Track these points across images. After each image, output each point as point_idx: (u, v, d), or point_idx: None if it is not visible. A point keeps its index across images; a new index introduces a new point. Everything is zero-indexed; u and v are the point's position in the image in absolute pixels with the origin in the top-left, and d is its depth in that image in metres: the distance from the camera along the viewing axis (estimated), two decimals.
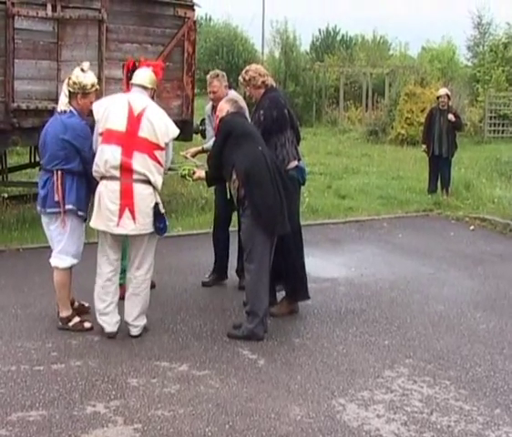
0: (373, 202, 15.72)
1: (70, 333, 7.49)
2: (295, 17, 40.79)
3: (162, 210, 7.29)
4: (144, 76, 7.60)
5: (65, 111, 7.57)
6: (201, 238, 11.49)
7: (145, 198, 7.18)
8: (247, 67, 8.47)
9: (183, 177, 8.23)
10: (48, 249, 7.95)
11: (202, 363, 6.87)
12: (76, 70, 7.66)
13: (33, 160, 14.37)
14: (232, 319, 8.02)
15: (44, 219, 7.74)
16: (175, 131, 7.45)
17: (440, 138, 16.03)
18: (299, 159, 8.25)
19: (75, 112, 7.54)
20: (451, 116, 16.04)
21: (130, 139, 7.15)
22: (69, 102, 7.57)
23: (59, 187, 7.40)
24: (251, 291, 7.53)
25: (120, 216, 7.14)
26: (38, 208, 7.76)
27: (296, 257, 8.25)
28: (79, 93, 7.52)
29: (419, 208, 15.13)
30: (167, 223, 7.39)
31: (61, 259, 7.60)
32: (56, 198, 7.42)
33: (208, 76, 9.28)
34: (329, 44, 56.71)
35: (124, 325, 7.49)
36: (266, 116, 8.00)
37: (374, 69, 37.22)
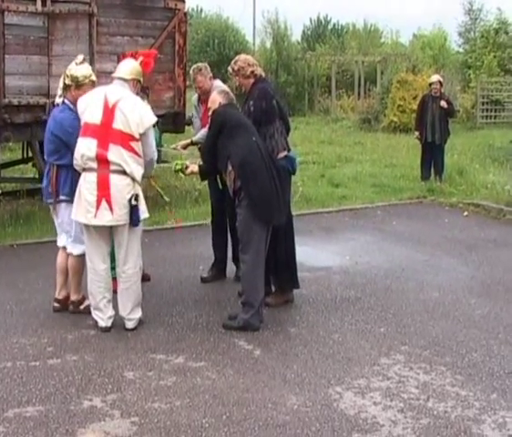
0: (366, 190, 15.73)
1: (66, 328, 7.49)
2: (286, 7, 40.78)
3: (134, 202, 7.23)
4: (124, 68, 7.63)
5: (59, 104, 7.85)
6: (195, 230, 11.49)
7: (121, 189, 7.19)
8: (236, 58, 8.47)
9: (176, 172, 8.22)
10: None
11: (198, 355, 6.87)
12: (72, 63, 7.90)
13: (25, 156, 14.33)
14: (228, 310, 8.02)
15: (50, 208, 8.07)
16: (150, 121, 7.39)
17: (433, 125, 16.03)
18: (288, 150, 8.24)
19: (69, 105, 7.73)
20: (443, 103, 16.04)
21: (105, 131, 7.19)
22: (65, 94, 7.79)
23: (54, 179, 7.68)
24: (248, 282, 7.54)
25: (98, 207, 7.18)
26: (43, 198, 8.12)
27: (287, 246, 8.24)
28: (72, 85, 7.73)
29: (413, 196, 15.13)
30: (139, 215, 7.35)
31: (74, 246, 7.82)
32: (50, 190, 7.74)
33: (191, 72, 9.26)
34: (320, 33, 56.71)
35: (119, 319, 7.49)
36: (256, 107, 8.00)
37: (366, 57, 37.21)
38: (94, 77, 7.89)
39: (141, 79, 7.74)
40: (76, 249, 7.81)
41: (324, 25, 60.10)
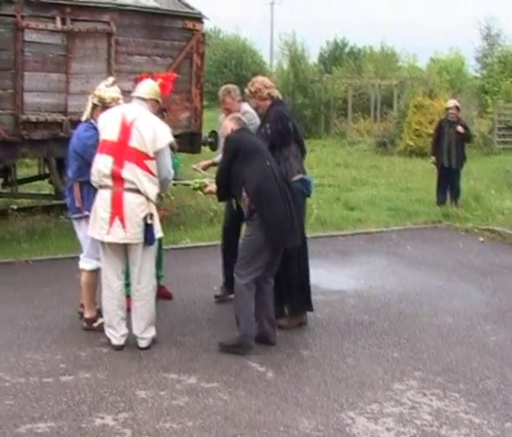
0: (381, 214, 15.69)
1: (79, 345, 7.50)
2: (303, 29, 40.83)
3: (149, 221, 7.26)
4: (143, 88, 7.69)
5: (85, 121, 7.98)
6: (210, 250, 11.47)
7: (135, 207, 7.23)
8: (253, 79, 8.51)
9: (195, 190, 8.30)
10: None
11: (211, 376, 6.85)
12: (102, 83, 8.08)
13: (42, 172, 14.38)
14: None
15: (74, 223, 8.16)
16: (163, 141, 7.40)
17: (449, 150, 15.98)
18: (303, 172, 8.23)
19: (94, 124, 7.81)
20: (460, 128, 15.99)
21: (121, 149, 7.25)
22: (92, 113, 7.92)
23: (78, 195, 7.82)
24: (241, 299, 7.52)
25: (111, 224, 7.23)
26: (69, 213, 8.26)
27: (299, 269, 8.23)
28: (99, 105, 7.86)
29: (428, 220, 15.07)
30: (154, 234, 7.37)
31: (87, 261, 7.92)
32: (78, 205, 7.86)
33: (219, 93, 9.20)
34: (337, 56, 56.73)
35: (132, 338, 7.48)
36: (272, 130, 8.03)
37: (383, 81, 37.19)
38: (121, 101, 7.94)
39: (159, 100, 7.78)
40: (88, 265, 7.90)
41: (341, 48, 60.13)
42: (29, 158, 14.23)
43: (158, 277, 8.87)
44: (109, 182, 7.25)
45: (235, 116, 8.10)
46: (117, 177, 7.21)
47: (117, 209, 7.21)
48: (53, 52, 12.02)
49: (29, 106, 11.85)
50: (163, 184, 7.57)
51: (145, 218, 7.23)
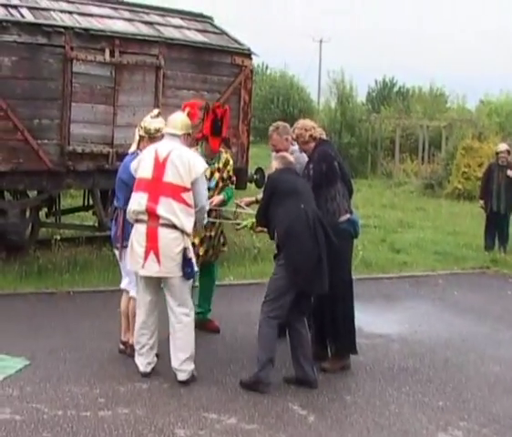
0: (428, 257, 15.47)
1: (118, 380, 7.43)
2: (352, 68, 40.66)
3: (189, 255, 7.34)
4: (174, 123, 7.76)
5: (132, 153, 8.15)
6: (253, 288, 11.38)
7: (170, 242, 7.29)
8: (294, 125, 8.51)
9: (249, 229, 8.48)
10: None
11: (251, 417, 6.74)
12: (148, 116, 8.26)
13: (86, 203, 14.42)
14: (283, 372, 7.85)
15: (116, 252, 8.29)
16: (198, 170, 7.45)
17: (498, 195, 15.78)
18: (351, 212, 8.15)
19: (140, 154, 7.90)
20: (510, 172, 15.78)
21: (156, 185, 7.34)
22: (138, 145, 8.13)
23: (120, 224, 7.95)
24: (262, 336, 7.52)
25: (145, 258, 7.33)
26: (113, 243, 8.35)
27: (344, 311, 8.12)
28: (145, 136, 8.04)
29: (475, 265, 14.84)
30: (194, 268, 7.46)
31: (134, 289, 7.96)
32: (119, 233, 7.99)
33: (270, 129, 9.07)
34: (385, 95, 56.63)
35: (172, 373, 7.41)
36: (315, 171, 8.03)
37: (431, 122, 36.91)
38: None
39: (191, 132, 7.92)
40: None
41: (390, 88, 60.12)
42: (73, 189, 14.31)
43: (206, 311, 9.14)
44: (145, 217, 7.36)
45: (280, 156, 8.08)
46: (151, 213, 7.31)
47: (151, 244, 7.30)
48: (101, 84, 12.11)
49: (75, 137, 11.92)
50: (201, 212, 7.64)
51: (184, 253, 7.28)
